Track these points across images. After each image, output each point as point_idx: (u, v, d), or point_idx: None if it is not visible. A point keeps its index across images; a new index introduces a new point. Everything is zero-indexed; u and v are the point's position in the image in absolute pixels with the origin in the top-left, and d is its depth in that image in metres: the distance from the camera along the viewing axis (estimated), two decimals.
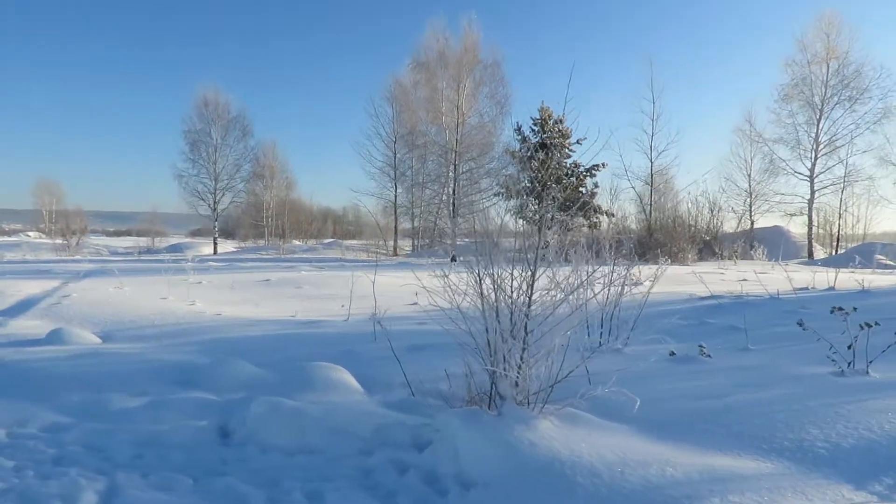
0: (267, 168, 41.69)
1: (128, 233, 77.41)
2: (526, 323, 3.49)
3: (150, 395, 4.55)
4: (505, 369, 3.38)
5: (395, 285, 12.35)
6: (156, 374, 5.11)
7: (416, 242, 38.45)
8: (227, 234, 59.17)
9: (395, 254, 35.37)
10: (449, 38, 29.14)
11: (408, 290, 11.23)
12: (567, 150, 30.17)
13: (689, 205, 27.73)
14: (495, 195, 31.11)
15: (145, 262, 20.46)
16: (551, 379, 3.43)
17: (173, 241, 45.18)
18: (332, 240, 49.08)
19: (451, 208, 29.71)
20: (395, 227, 36.87)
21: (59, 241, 31.95)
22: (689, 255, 19.11)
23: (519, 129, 30.63)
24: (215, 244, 35.77)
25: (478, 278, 3.75)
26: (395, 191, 36.73)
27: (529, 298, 3.56)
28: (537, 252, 3.61)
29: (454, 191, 29.83)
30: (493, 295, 3.64)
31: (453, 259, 28.41)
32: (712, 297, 8.89)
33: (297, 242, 43.18)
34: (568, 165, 30.23)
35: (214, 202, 34.95)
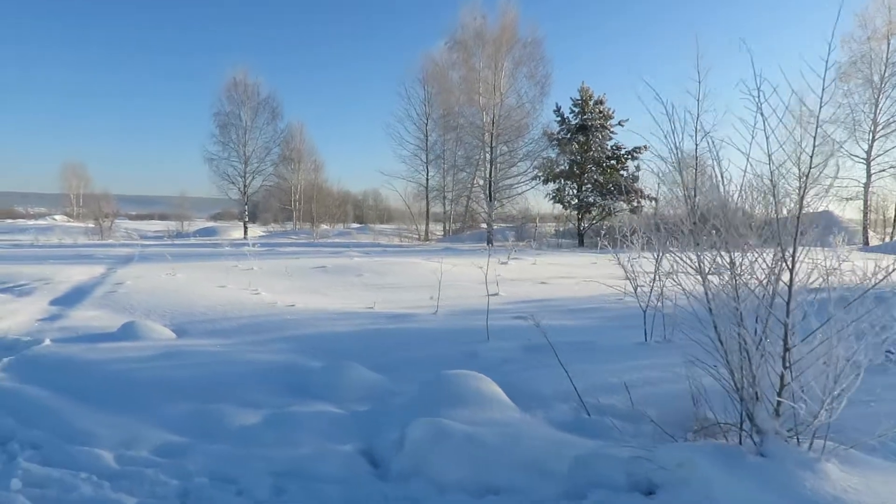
0: (295, 151, 41.09)
1: (150, 216, 77.47)
2: (786, 328, 2.70)
3: (266, 407, 3.89)
4: (756, 391, 2.63)
5: (452, 272, 11.65)
6: (261, 380, 4.46)
7: (447, 227, 37.76)
8: (250, 217, 58.95)
9: (427, 238, 34.73)
10: (486, 15, 28.13)
11: (473, 279, 10.52)
12: (608, 132, 29.12)
13: (744, 189, 26.51)
14: (533, 178, 30.24)
15: (188, 247, 19.95)
16: (821, 404, 2.66)
17: (201, 225, 44.85)
18: (361, 224, 48.43)
19: (488, 192, 28.86)
20: (427, 212, 36.16)
21: (90, 224, 31.70)
22: (751, 241, 18.07)
23: (558, 111, 29.63)
24: (245, 228, 35.34)
25: (702, 265, 2.99)
26: (427, 174, 36.01)
27: (789, 294, 2.79)
28: (797, 228, 2.84)
29: (490, 174, 28.94)
30: (728, 287, 2.87)
31: (489, 243, 27.69)
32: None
33: (324, 227, 42.68)
34: (609, 148, 29.19)
35: (245, 185, 34.45)
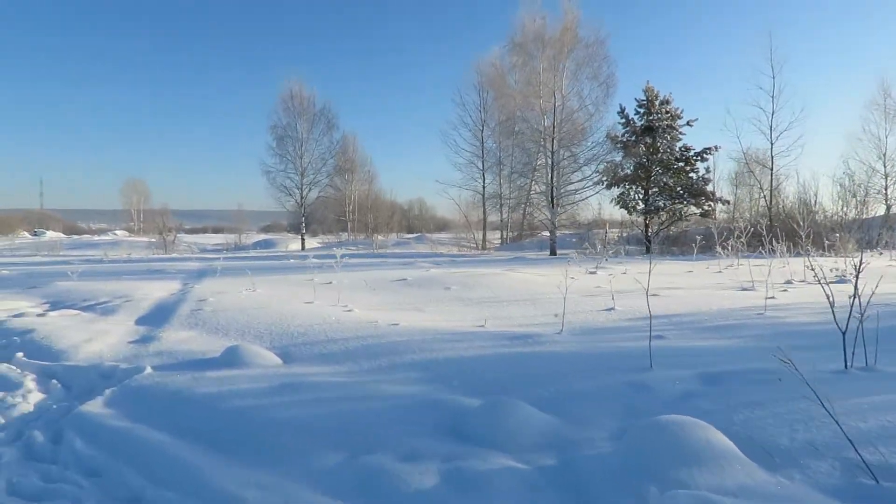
0: (349, 162, 41.05)
1: (203, 230, 79.09)
2: None
3: (433, 459, 3.19)
4: None
5: (541, 283, 10.87)
6: (407, 420, 3.76)
7: (505, 235, 36.98)
8: (299, 229, 59.29)
9: (485, 247, 34.07)
10: (546, 16, 27.27)
11: (573, 290, 9.69)
12: (677, 133, 27.85)
13: (838, 188, 24.81)
14: (596, 183, 29.13)
15: (255, 260, 19.69)
16: None
17: (256, 237, 45.24)
18: (415, 234, 48.03)
19: (550, 198, 27.89)
20: (484, 220, 35.51)
21: (153, 239, 32.16)
22: (850, 245, 16.71)
23: (623, 112, 28.53)
24: (303, 240, 35.33)
25: None
26: (484, 181, 35.41)
27: None
28: None
29: (552, 179, 27.96)
30: None
31: (553, 252, 26.75)
32: None
33: (379, 237, 42.40)
34: (677, 149, 27.91)
35: (301, 197, 34.46)
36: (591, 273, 12.71)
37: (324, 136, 35.08)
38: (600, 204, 34.01)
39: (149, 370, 5.22)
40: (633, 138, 28.34)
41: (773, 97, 27.35)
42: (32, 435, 3.91)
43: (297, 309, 8.21)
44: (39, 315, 8.96)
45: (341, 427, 3.66)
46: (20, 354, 6.36)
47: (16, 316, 8.92)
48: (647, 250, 27.29)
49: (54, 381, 5.34)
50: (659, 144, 27.88)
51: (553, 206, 27.64)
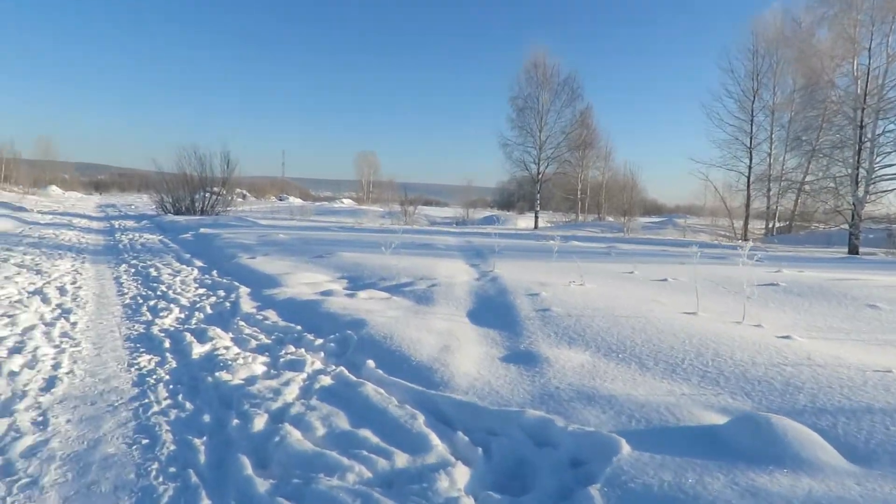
0: (588, 136, 38.10)
1: (412, 202, 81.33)
2: None
3: None
4: None
5: None
6: None
7: (770, 225, 31.52)
8: (508, 206, 57.73)
9: (745, 238, 29.12)
10: None
11: None
12: None
13: None
14: None
15: (511, 238, 17.79)
16: None
17: (484, 213, 44.51)
18: (663, 217, 43.79)
19: (855, 183, 22.27)
20: (747, 207, 30.46)
21: (392, 209, 32.52)
22: None
23: None
24: (536, 218, 33.37)
25: None
26: (750, 161, 30.33)
27: None
28: None
29: (858, 160, 22.25)
30: None
31: (854, 250, 21.40)
32: None
33: (610, 219, 38.98)
34: None
35: (538, 171, 32.40)
36: None
37: (566, 108, 32.55)
38: None
39: (626, 450, 3.00)
40: None
41: None
42: None
43: (692, 326, 5.69)
44: (348, 296, 7.63)
45: None
46: (371, 364, 4.69)
47: (324, 294, 7.69)
48: None
49: (460, 434, 3.39)
50: None
51: (862, 192, 22.08)
